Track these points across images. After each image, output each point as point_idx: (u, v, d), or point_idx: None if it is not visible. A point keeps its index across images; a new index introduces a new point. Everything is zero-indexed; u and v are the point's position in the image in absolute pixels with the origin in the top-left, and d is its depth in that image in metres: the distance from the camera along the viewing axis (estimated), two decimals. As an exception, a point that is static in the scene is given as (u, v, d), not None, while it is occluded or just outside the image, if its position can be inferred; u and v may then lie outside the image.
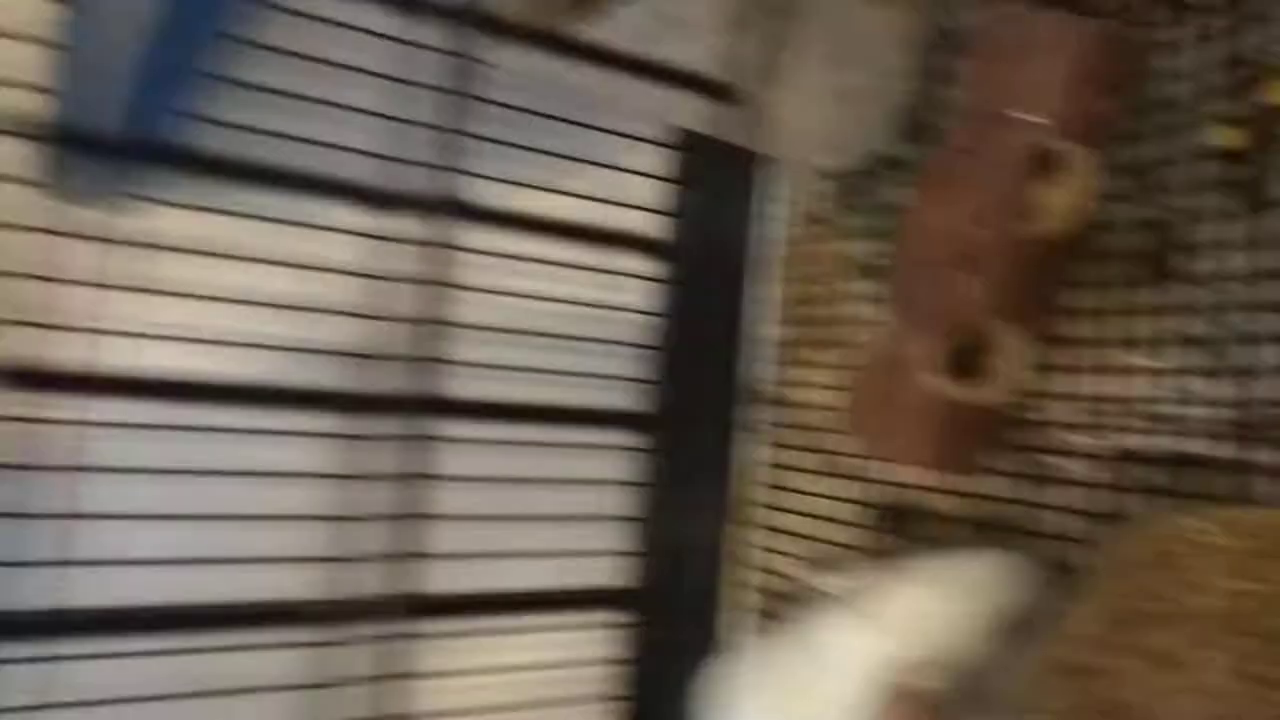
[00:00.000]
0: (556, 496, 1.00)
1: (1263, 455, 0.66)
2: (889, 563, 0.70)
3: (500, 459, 0.96)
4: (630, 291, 1.05)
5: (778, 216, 1.08)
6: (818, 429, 1.00)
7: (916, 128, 0.93)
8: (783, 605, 1.02)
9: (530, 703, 0.97)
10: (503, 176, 0.96)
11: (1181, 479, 0.70)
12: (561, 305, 1.00)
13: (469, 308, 0.94)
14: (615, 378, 1.03)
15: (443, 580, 0.92)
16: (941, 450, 0.75)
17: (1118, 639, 0.49)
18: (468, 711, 0.93)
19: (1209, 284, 0.70)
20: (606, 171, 1.03)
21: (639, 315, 1.05)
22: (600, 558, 1.02)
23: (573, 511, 1.00)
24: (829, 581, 0.67)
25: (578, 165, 1.01)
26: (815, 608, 0.91)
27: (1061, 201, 0.74)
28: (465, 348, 0.94)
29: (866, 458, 0.94)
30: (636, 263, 1.05)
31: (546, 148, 0.99)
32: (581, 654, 1.00)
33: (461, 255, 0.93)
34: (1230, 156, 0.70)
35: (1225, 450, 0.68)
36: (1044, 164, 0.73)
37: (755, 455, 1.07)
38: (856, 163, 0.98)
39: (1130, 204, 0.75)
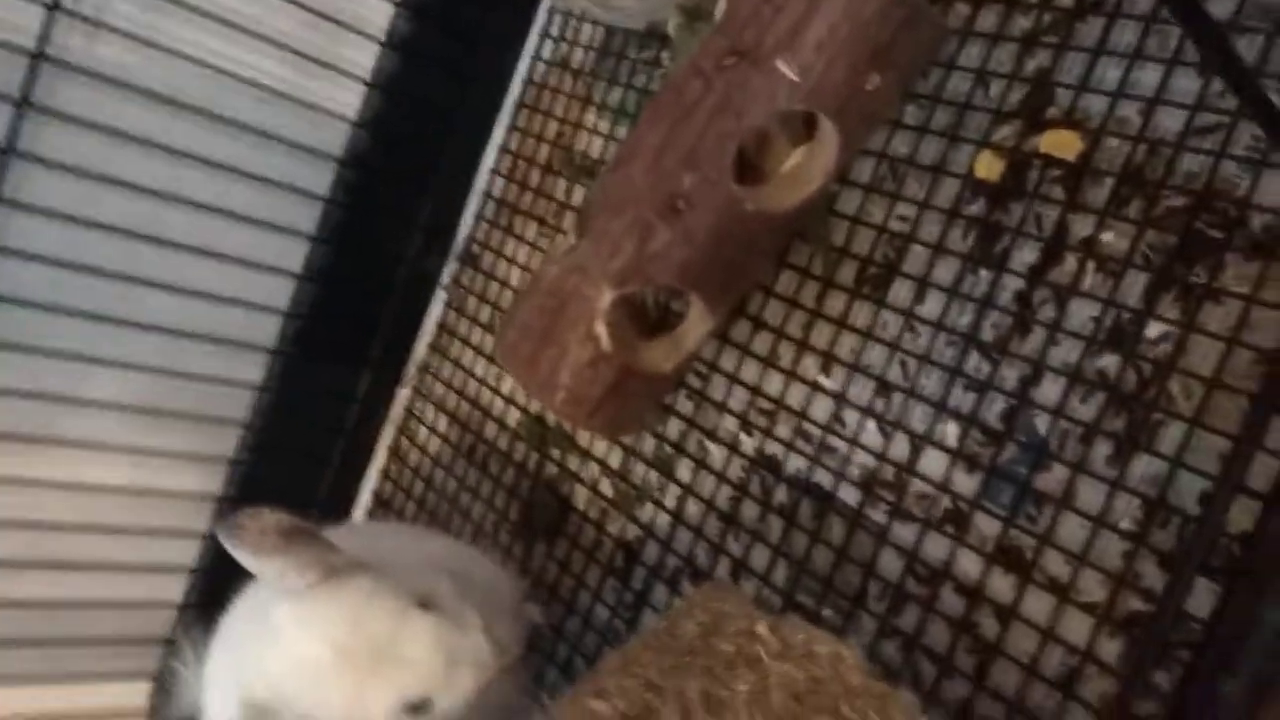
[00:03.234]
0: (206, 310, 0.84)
1: (877, 515, 0.62)
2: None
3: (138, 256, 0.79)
4: (339, 88, 0.87)
5: (535, 56, 0.92)
6: (499, 308, 0.89)
7: (702, 10, 0.79)
8: (406, 479, 0.94)
9: (116, 527, 0.85)
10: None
11: (800, 505, 0.65)
12: (245, 82, 0.81)
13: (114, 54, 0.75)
14: (293, 189, 0.86)
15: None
16: (591, 407, 0.66)
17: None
18: (51, 525, 0.82)
19: (905, 321, 0.63)
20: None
21: (341, 120, 0.88)
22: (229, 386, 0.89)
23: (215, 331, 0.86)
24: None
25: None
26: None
27: (792, 174, 0.64)
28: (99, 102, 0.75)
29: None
30: (355, 54, 0.87)
31: None
32: (178, 483, 0.89)
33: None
34: (982, 188, 0.62)
35: (849, 496, 0.63)
36: (784, 127, 0.62)
37: (437, 313, 0.95)
38: (630, 25, 0.83)
39: (872, 201, 0.67)
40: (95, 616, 0.85)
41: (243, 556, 0.53)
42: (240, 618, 0.62)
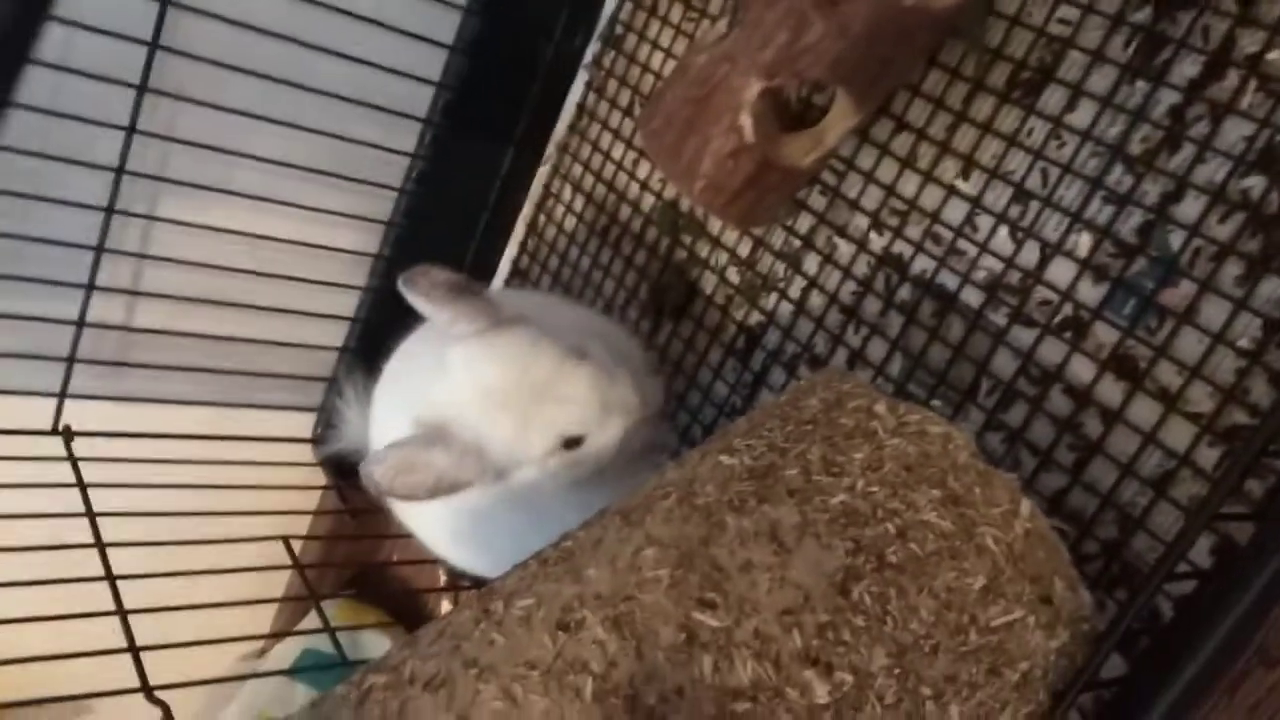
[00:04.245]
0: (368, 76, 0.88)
1: (997, 317, 0.65)
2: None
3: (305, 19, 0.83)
4: None
5: None
6: (639, 92, 0.91)
7: None
8: (543, 254, 0.99)
9: (286, 275, 0.94)
10: None
11: (922, 304, 0.68)
12: None
13: None
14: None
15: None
16: (728, 197, 0.69)
17: (746, 489, 0.49)
18: (228, 269, 0.90)
19: (1052, 129, 0.63)
20: None
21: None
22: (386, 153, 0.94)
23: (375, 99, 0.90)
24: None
25: None
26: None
27: (956, -27, 0.63)
28: None
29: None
30: None
31: None
32: (341, 240, 0.96)
33: None
34: (1149, -7, 0.60)
35: (972, 298, 0.66)
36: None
37: (578, 94, 0.97)
38: None
39: (1034, 1, 0.65)
40: (267, 353, 0.95)
41: (419, 304, 0.61)
42: (408, 359, 0.70)
